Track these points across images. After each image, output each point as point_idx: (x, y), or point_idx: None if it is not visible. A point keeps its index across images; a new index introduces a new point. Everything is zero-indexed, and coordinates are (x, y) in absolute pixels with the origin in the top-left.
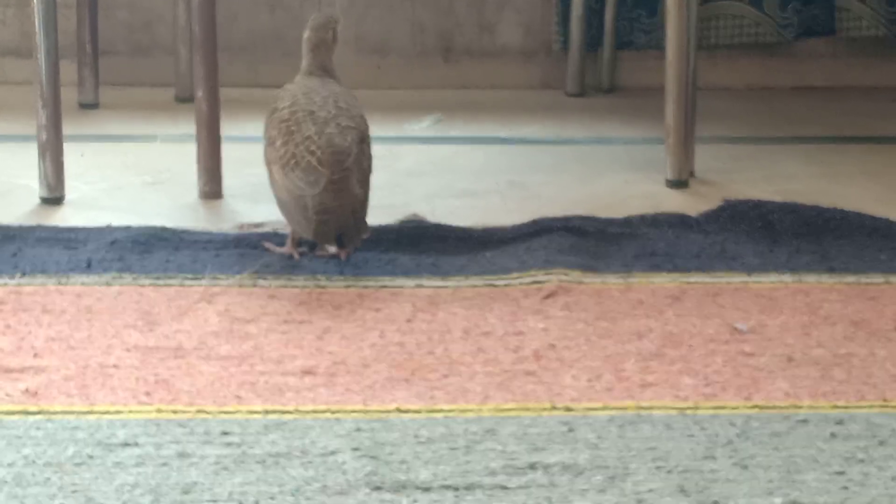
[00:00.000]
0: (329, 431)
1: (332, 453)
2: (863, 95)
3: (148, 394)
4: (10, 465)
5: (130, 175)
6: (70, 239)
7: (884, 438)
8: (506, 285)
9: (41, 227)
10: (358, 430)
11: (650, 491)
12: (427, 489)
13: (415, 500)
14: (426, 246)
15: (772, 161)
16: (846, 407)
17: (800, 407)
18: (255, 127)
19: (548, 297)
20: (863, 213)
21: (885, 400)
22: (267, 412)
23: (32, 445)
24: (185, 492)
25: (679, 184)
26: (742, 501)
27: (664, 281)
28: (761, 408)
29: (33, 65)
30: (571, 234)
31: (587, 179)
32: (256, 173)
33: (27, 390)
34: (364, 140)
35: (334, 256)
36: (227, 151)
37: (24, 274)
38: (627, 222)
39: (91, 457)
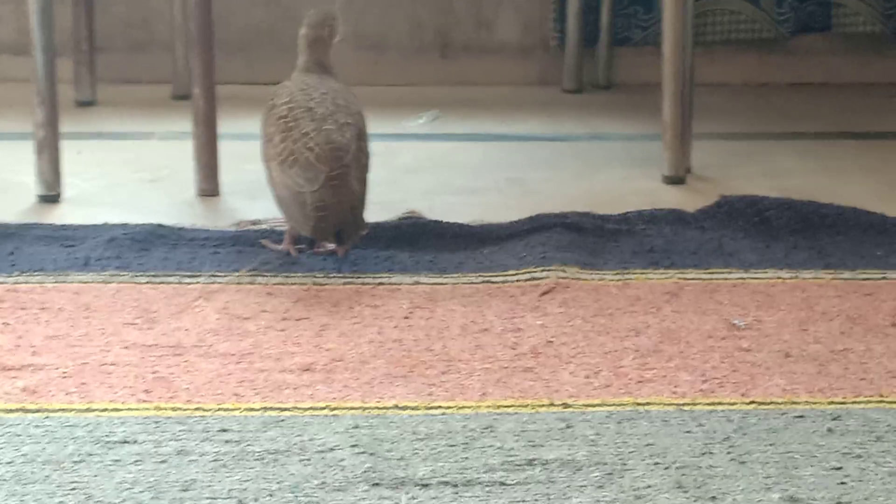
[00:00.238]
0: (327, 428)
1: (331, 450)
2: (859, 91)
3: (147, 391)
4: (9, 462)
5: (128, 172)
6: (67, 237)
7: (881, 434)
8: (503, 282)
9: (38, 225)
10: (356, 426)
11: (648, 487)
12: (425, 485)
13: (413, 497)
14: (424, 243)
15: (768, 157)
16: (843, 402)
17: (797, 403)
18: (252, 124)
19: (545, 293)
20: (859, 209)
21: (881, 395)
22: (265, 409)
23: (31, 443)
24: (184, 489)
25: (676, 180)
26: (739, 497)
27: (661, 277)
28: (758, 403)
29: (30, 62)
30: (569, 231)
31: (584, 176)
32: (254, 170)
33: (26, 388)
34: (362, 137)
35: (332, 253)
36: (225, 148)
37: (21, 272)
38: (625, 219)
39: (90, 454)
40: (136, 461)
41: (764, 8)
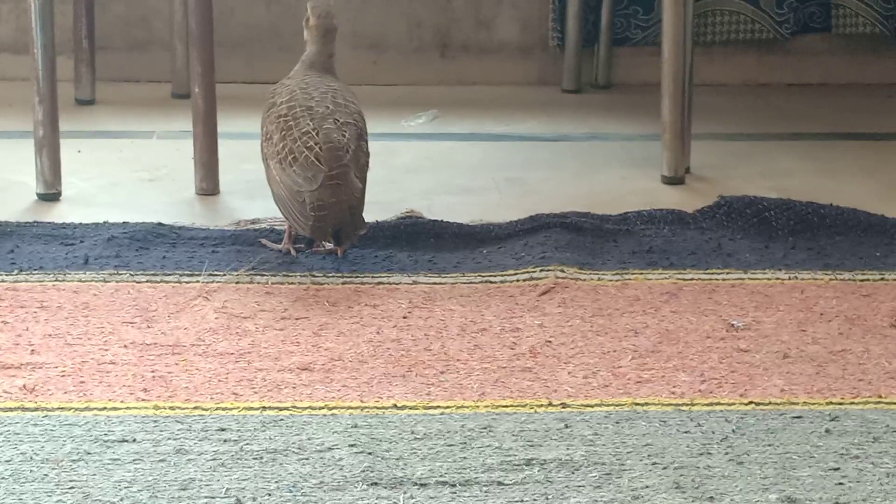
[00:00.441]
0: (326, 427)
1: (329, 449)
2: (859, 92)
3: (145, 390)
4: (7, 461)
5: (127, 171)
6: (67, 235)
7: (878, 434)
8: (502, 282)
9: (38, 224)
10: (355, 426)
11: (646, 487)
12: (424, 485)
13: (411, 497)
14: (423, 242)
15: (768, 157)
16: (841, 403)
17: (795, 403)
18: (252, 123)
19: (544, 293)
20: (858, 209)
21: (879, 396)
22: (264, 408)
23: (30, 442)
24: (183, 488)
25: (675, 180)
26: (737, 497)
27: (660, 278)
28: (757, 404)
29: (30, 61)
30: (568, 231)
31: (584, 176)
32: (253, 169)
33: (24, 387)
34: (362, 136)
35: (331, 253)
36: (224, 147)
37: (20, 270)
38: (624, 219)
39: (88, 453)
40: (135, 460)
41: (764, 8)
